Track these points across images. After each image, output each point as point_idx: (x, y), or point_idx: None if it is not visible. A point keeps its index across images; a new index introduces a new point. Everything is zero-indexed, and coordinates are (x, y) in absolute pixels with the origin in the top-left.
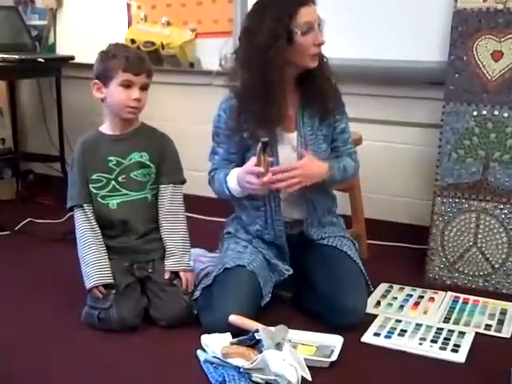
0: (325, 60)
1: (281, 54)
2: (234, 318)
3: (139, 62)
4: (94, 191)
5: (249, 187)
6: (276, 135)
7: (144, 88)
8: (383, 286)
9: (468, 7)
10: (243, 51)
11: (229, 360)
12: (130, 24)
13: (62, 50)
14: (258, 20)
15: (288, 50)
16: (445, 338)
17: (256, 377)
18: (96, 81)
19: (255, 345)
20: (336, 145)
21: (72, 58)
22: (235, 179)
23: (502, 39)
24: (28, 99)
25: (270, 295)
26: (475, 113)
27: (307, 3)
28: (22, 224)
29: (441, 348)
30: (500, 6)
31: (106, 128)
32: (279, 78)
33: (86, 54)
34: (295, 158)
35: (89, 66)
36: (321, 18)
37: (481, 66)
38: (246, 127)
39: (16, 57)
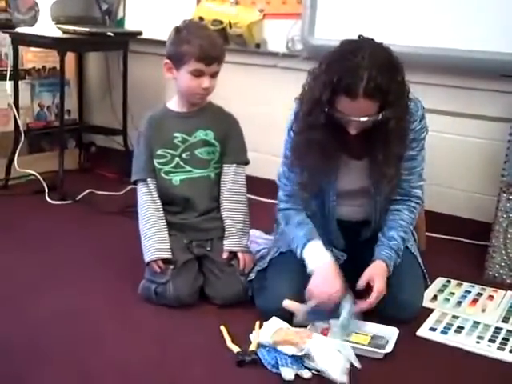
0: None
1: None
2: (287, 303)
3: (212, 50)
4: (158, 166)
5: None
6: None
7: (214, 75)
8: (440, 281)
9: None
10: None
11: (279, 348)
12: (198, 1)
13: (130, 25)
14: None
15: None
16: (503, 338)
17: (308, 363)
18: (167, 61)
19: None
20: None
21: (140, 33)
22: (313, 264)
23: None
24: (95, 72)
25: None
26: None
27: (354, 96)
28: (83, 194)
29: (499, 348)
30: None
31: (174, 104)
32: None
33: (154, 30)
34: (360, 183)
35: (156, 42)
36: (369, 114)
37: None
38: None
39: (86, 29)
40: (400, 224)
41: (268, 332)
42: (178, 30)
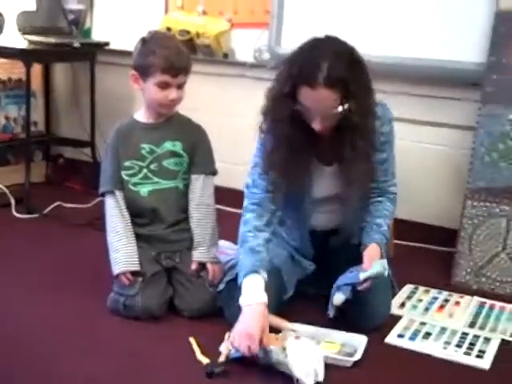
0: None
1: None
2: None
3: (178, 61)
4: (126, 178)
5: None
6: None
7: (181, 86)
8: (408, 288)
9: (510, 8)
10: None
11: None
12: (166, 11)
13: (97, 35)
14: None
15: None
16: (470, 343)
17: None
18: (134, 72)
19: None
20: (375, 175)
21: (107, 43)
22: (245, 300)
23: None
24: (62, 83)
25: (294, 290)
26: (511, 116)
27: (313, 85)
28: (50, 207)
29: (465, 353)
30: None
31: (141, 116)
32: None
33: (122, 40)
34: (332, 190)
35: (123, 53)
36: (329, 105)
37: None
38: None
39: (52, 40)
40: (384, 213)
41: None
42: (143, 41)
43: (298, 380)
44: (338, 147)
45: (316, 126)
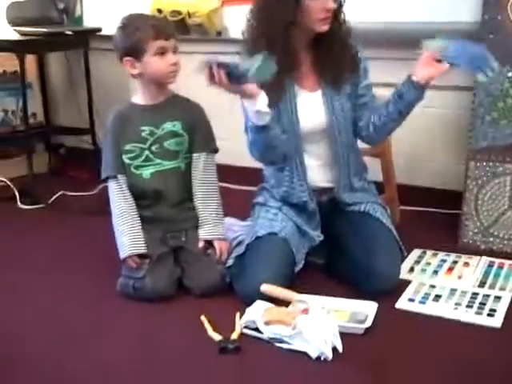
0: (342, 24)
1: (287, 13)
2: (265, 288)
3: (166, 25)
4: (128, 161)
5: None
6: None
7: (175, 51)
8: (416, 252)
9: None
10: (255, 3)
11: (271, 327)
12: None
13: (89, 22)
14: None
15: (296, 11)
16: (480, 303)
17: (290, 344)
18: (127, 58)
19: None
20: (364, 101)
21: (99, 29)
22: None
23: None
24: (57, 73)
25: (303, 262)
26: (510, 74)
27: None
28: (55, 197)
29: (476, 313)
30: None
31: (138, 99)
32: (283, 35)
33: (114, 25)
34: (318, 118)
35: None
36: None
37: None
38: None
39: (43, 30)
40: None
41: (258, 311)
42: (121, 27)
43: (317, 355)
44: (318, 70)
45: (331, 3)
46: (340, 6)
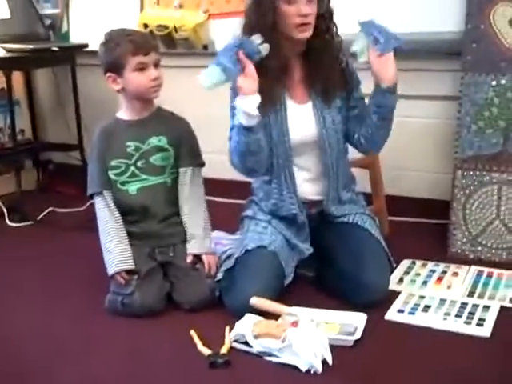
0: (334, 37)
1: (267, 19)
2: (255, 301)
3: (145, 40)
4: (114, 178)
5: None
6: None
7: (157, 65)
8: (406, 263)
9: None
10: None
11: (260, 340)
12: (142, 9)
13: (75, 38)
14: None
15: (274, 17)
16: (469, 313)
17: (279, 357)
18: (109, 74)
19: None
20: (356, 113)
21: (86, 45)
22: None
23: None
24: (44, 89)
25: (293, 275)
26: (494, 83)
27: None
28: (43, 214)
29: (466, 322)
30: None
31: (123, 114)
32: (270, 41)
33: (100, 41)
34: (308, 130)
35: None
36: None
37: (498, 34)
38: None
39: (30, 47)
40: None
41: (247, 324)
42: (103, 42)
43: (306, 368)
44: (309, 83)
45: (306, 9)
46: (330, 16)
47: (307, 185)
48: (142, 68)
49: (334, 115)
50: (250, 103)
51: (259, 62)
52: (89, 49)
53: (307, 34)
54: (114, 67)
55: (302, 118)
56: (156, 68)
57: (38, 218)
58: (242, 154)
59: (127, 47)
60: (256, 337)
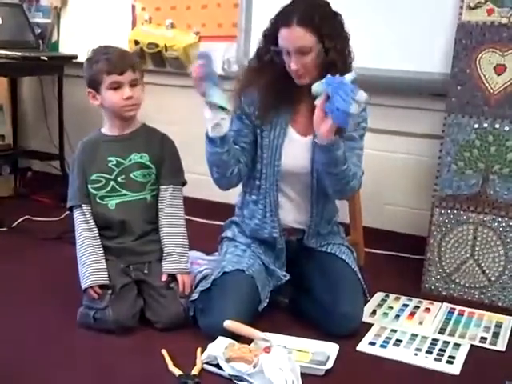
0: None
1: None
2: (229, 324)
3: (121, 60)
4: (93, 192)
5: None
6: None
7: (134, 84)
8: (379, 295)
9: (472, 20)
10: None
11: (232, 364)
12: (134, 25)
13: (64, 48)
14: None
15: (280, 60)
16: (440, 350)
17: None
18: (89, 89)
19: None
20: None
21: (75, 57)
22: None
23: (506, 53)
24: (29, 96)
25: (268, 300)
26: (476, 125)
27: (288, 24)
28: (19, 221)
29: (436, 359)
30: (504, 21)
31: (107, 129)
32: (272, 78)
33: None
34: (300, 162)
35: None
36: (304, 45)
37: (483, 79)
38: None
39: (18, 54)
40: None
41: (219, 347)
42: (87, 58)
43: None
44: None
45: (292, 65)
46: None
47: (289, 213)
48: (116, 87)
49: None
50: (216, 116)
51: (271, 80)
52: (77, 60)
53: (304, 81)
54: (92, 84)
55: (297, 149)
56: (133, 87)
57: (13, 225)
58: (208, 163)
59: (103, 66)
60: (228, 360)
